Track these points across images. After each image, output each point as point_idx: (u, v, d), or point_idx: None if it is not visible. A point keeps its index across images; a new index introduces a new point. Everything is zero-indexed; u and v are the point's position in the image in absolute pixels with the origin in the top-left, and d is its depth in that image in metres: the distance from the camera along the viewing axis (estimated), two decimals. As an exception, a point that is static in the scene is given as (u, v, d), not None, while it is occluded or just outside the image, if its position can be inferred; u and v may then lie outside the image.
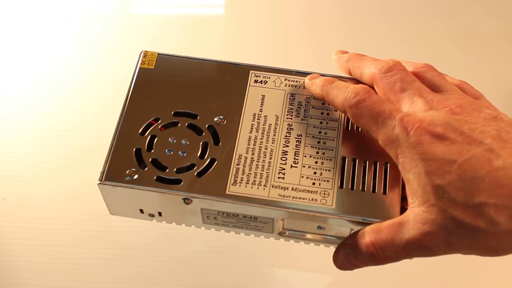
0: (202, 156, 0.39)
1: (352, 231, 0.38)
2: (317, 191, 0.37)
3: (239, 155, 0.39)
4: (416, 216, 0.32)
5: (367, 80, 0.38)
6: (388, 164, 0.38)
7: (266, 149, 0.39)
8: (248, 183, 0.38)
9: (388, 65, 0.36)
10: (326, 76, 0.41)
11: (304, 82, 0.41)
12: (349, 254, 0.35)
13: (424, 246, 0.31)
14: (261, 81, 0.42)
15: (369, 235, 0.34)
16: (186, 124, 0.40)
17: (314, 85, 0.40)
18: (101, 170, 0.38)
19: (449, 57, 0.57)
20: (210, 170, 0.38)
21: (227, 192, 0.37)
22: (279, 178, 0.38)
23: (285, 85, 0.42)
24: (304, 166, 0.38)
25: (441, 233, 0.31)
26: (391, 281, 0.43)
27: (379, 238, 0.33)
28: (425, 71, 0.37)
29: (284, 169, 0.38)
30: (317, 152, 0.39)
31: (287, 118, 0.40)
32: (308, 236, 0.40)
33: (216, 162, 0.38)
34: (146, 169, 0.38)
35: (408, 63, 0.38)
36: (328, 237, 0.39)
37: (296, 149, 0.39)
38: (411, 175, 0.32)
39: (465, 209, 0.30)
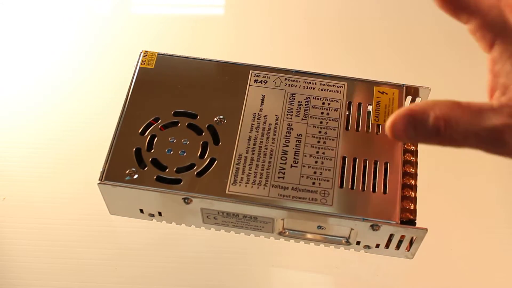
0: (202, 156, 0.39)
1: (352, 231, 0.38)
2: (317, 191, 0.37)
3: (239, 155, 0.39)
4: (503, 108, 0.28)
5: None
6: (388, 164, 0.38)
7: (266, 148, 0.39)
8: (248, 183, 0.38)
9: None
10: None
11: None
12: (410, 123, 0.29)
13: (500, 140, 0.28)
14: (261, 81, 0.42)
15: (441, 108, 0.29)
16: (186, 124, 0.40)
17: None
18: (101, 170, 0.38)
19: (449, 58, 0.57)
20: (210, 169, 0.38)
21: (227, 192, 0.37)
22: (279, 177, 0.38)
23: (285, 85, 0.42)
24: (304, 166, 0.38)
25: None
26: (391, 281, 0.43)
27: (454, 115, 0.29)
28: None
29: (284, 168, 0.38)
30: (317, 152, 0.39)
31: (287, 118, 0.40)
32: (308, 236, 0.40)
33: (216, 162, 0.38)
34: (146, 169, 0.38)
35: None
36: (328, 237, 0.39)
37: (296, 148, 0.39)
38: (507, 65, 0.29)
39: None
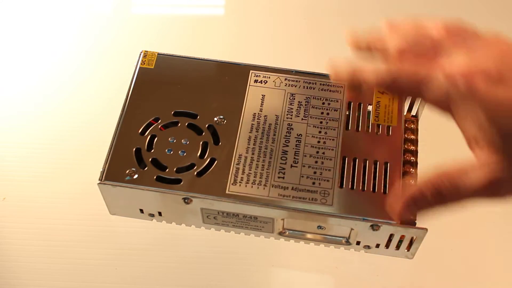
0: (202, 155, 0.39)
1: (352, 231, 0.38)
2: (317, 191, 0.37)
3: (239, 155, 0.39)
4: (483, 164, 0.30)
5: (393, 53, 0.35)
6: (388, 164, 0.38)
7: (266, 148, 0.39)
8: (248, 183, 0.38)
9: (414, 32, 0.34)
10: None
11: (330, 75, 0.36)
12: (413, 207, 0.33)
13: (491, 191, 0.30)
14: (261, 81, 0.42)
15: (433, 184, 0.32)
16: (186, 124, 0.40)
17: (339, 74, 0.35)
18: (101, 170, 0.38)
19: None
20: (210, 169, 0.38)
21: (227, 192, 0.37)
22: (279, 177, 0.38)
23: (285, 85, 0.42)
24: (304, 166, 0.38)
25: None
26: (391, 281, 0.43)
27: (446, 186, 0.31)
28: (453, 25, 0.34)
29: (284, 168, 0.38)
30: (317, 152, 0.39)
31: (287, 118, 0.40)
32: (308, 236, 0.40)
33: (216, 161, 0.38)
34: (146, 168, 0.38)
35: (432, 20, 0.35)
36: (328, 237, 0.39)
37: (296, 148, 0.39)
38: (472, 126, 0.30)
39: None
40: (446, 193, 0.31)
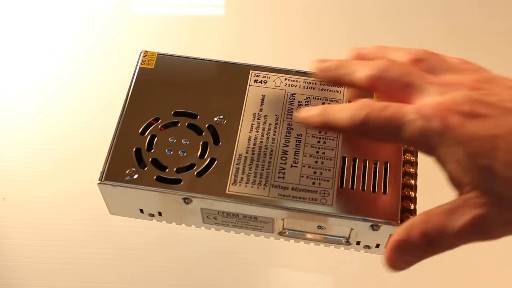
0: (202, 155, 0.39)
1: (352, 231, 0.38)
2: (317, 191, 0.37)
3: (239, 155, 0.39)
4: (467, 202, 0.30)
5: (363, 85, 0.35)
6: (388, 164, 0.38)
7: (266, 148, 0.39)
8: (248, 183, 0.38)
9: (383, 64, 0.34)
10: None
11: (297, 117, 0.37)
12: (402, 252, 0.32)
13: (480, 230, 0.30)
14: (261, 81, 0.42)
15: (419, 227, 0.31)
16: (186, 124, 0.40)
17: (312, 118, 0.36)
18: (101, 170, 0.38)
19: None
20: (210, 169, 0.38)
21: (227, 192, 0.37)
22: (279, 177, 0.38)
23: (285, 85, 0.42)
24: (304, 166, 0.38)
25: (498, 215, 0.29)
26: (391, 281, 0.43)
27: (431, 228, 0.31)
28: (422, 57, 0.34)
29: (284, 168, 0.38)
30: (317, 152, 0.39)
31: (287, 118, 0.40)
32: (308, 236, 0.40)
33: (216, 161, 0.38)
34: (146, 168, 0.38)
35: (400, 51, 0.35)
36: (328, 237, 0.39)
37: (296, 148, 0.39)
38: (452, 164, 0.30)
39: None
40: (434, 238, 0.31)
